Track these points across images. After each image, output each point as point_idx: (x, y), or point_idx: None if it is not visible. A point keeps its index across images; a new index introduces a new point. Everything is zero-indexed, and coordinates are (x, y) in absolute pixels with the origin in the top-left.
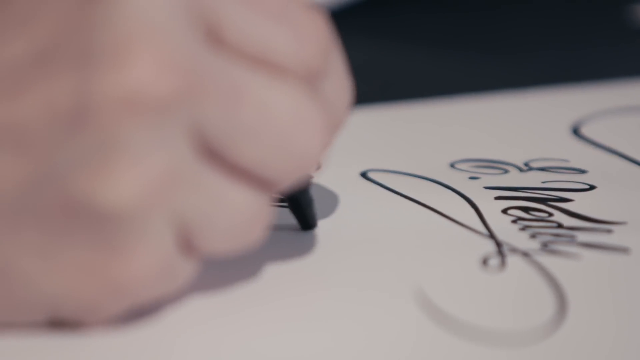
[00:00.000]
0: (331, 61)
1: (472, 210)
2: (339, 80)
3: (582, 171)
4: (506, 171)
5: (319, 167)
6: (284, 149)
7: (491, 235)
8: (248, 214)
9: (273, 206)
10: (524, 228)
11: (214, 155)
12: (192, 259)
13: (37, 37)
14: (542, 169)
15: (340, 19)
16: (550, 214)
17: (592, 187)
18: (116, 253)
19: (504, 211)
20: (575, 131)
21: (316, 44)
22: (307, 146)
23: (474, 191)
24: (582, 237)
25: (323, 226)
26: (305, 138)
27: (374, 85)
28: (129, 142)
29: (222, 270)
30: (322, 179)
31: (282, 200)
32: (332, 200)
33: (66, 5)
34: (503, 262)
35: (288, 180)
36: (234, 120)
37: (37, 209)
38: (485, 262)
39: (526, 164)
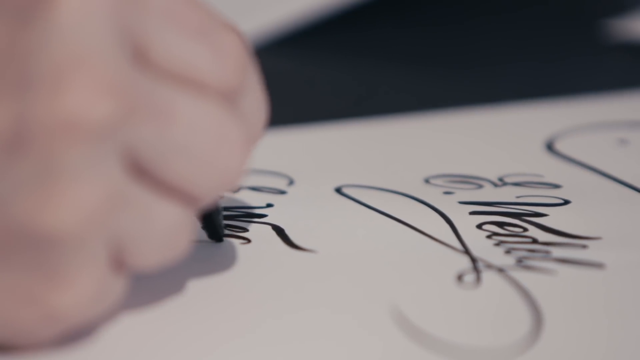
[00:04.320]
0: (248, 78)
1: (447, 226)
2: (255, 96)
3: (557, 186)
4: (480, 186)
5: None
6: (208, 166)
7: (466, 251)
8: (176, 227)
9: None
10: (498, 243)
11: (143, 173)
12: (122, 276)
13: None
14: (517, 184)
15: (312, 35)
16: (525, 229)
17: (566, 202)
18: (53, 279)
19: (479, 226)
20: (549, 146)
21: (235, 62)
22: (230, 162)
23: (448, 206)
24: (557, 252)
25: (297, 242)
26: (228, 155)
27: (348, 102)
28: (68, 167)
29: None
30: (297, 194)
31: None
32: (306, 216)
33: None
34: (478, 278)
35: (212, 196)
36: (164, 140)
37: None
38: (460, 278)
39: (500, 179)
